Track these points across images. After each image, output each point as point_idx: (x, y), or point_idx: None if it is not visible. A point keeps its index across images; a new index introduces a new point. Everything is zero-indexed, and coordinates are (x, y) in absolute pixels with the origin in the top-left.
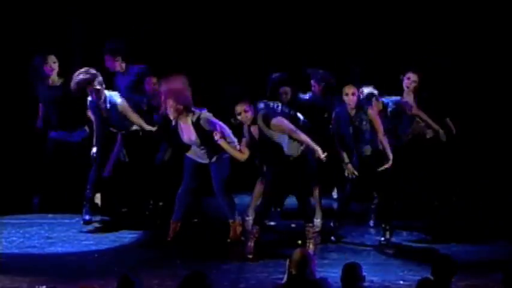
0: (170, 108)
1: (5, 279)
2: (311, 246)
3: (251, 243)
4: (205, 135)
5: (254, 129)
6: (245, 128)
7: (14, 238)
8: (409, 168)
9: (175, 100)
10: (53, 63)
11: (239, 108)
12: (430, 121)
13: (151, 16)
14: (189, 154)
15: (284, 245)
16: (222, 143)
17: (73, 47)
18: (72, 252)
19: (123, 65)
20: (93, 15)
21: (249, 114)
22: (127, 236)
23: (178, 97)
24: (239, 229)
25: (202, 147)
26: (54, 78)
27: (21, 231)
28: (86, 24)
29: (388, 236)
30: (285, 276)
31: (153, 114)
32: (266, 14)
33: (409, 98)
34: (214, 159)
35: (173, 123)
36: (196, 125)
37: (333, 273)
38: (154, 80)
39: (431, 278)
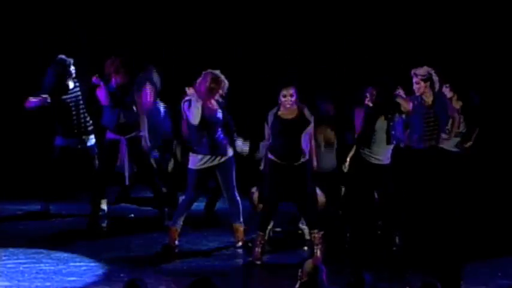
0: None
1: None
2: (318, 252)
3: (258, 249)
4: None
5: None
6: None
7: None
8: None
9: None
10: None
11: (286, 91)
12: None
13: (154, 18)
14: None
15: (291, 251)
16: None
17: (75, 48)
18: (78, 257)
19: None
20: (94, 16)
21: (293, 99)
22: (134, 242)
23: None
24: (242, 233)
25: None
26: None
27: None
28: (87, 24)
29: (397, 242)
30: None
31: None
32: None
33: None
34: (222, 159)
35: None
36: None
37: (340, 280)
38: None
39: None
